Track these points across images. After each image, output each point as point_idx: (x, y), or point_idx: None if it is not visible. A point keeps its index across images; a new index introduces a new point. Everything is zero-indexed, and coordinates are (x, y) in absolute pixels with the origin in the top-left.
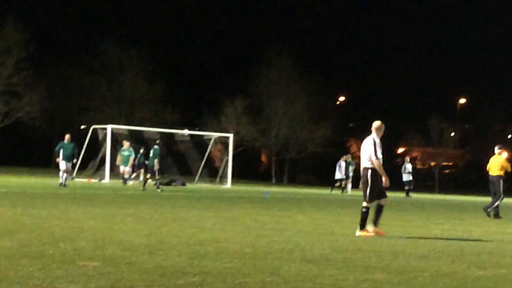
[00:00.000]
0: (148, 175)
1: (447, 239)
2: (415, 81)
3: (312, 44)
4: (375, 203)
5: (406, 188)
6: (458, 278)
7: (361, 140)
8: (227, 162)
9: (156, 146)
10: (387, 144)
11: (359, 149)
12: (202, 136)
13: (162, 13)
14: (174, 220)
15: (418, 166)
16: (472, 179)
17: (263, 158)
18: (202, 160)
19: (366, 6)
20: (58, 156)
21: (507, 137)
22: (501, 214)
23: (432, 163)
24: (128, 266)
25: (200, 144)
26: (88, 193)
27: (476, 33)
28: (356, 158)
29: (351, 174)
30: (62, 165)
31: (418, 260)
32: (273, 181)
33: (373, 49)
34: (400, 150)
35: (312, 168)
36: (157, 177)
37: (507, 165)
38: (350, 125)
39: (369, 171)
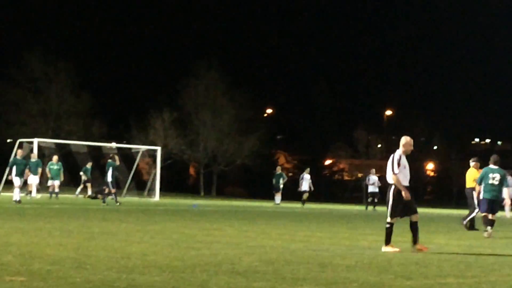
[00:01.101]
0: (107, 190)
1: (374, 250)
2: (342, 93)
3: (239, 57)
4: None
5: (370, 199)
6: None
7: (289, 152)
8: (155, 175)
9: (110, 160)
10: (314, 156)
11: (287, 161)
12: (130, 149)
13: (89, 26)
14: (102, 233)
15: (346, 178)
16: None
17: (191, 170)
18: (130, 173)
19: (291, 19)
20: (11, 173)
21: (432, 148)
22: (431, 224)
23: (360, 175)
24: (56, 280)
25: (128, 157)
26: (15, 207)
27: (401, 46)
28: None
29: (281, 186)
30: (16, 181)
31: (346, 271)
32: (202, 193)
33: (300, 61)
34: (328, 162)
35: (241, 180)
36: (113, 190)
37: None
38: (278, 137)
39: (391, 187)
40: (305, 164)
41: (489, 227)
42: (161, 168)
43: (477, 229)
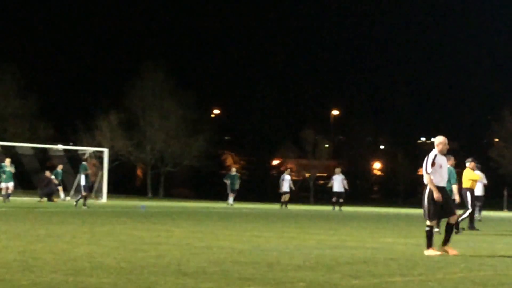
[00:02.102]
0: (85, 193)
1: (322, 249)
2: (289, 93)
3: (185, 58)
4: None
5: (335, 199)
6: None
7: (237, 152)
8: (102, 176)
9: (84, 163)
10: (261, 156)
11: (234, 161)
12: (76, 151)
13: (34, 27)
14: (48, 236)
15: (293, 178)
16: (345, 189)
17: (139, 172)
18: (76, 175)
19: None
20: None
21: (379, 147)
22: (378, 223)
23: (307, 175)
24: (2, 283)
25: (74, 159)
26: None
27: (347, 46)
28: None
29: (236, 187)
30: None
31: (294, 271)
32: (149, 195)
33: (247, 62)
34: (275, 162)
35: (188, 182)
36: (84, 194)
37: (475, 178)
38: (226, 138)
39: (426, 188)
40: (252, 164)
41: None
42: (108, 169)
43: (463, 229)
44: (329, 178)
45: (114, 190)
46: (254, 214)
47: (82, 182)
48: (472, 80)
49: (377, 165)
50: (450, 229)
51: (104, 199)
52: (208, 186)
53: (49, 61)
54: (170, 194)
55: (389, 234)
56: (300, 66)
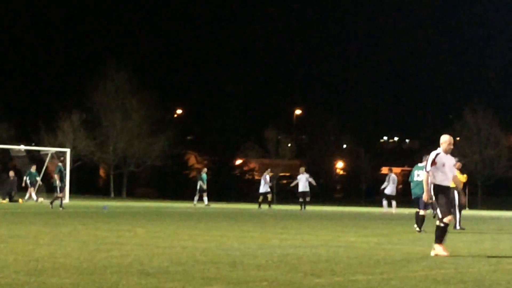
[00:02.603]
0: (61, 194)
1: (284, 248)
2: (251, 93)
3: (148, 58)
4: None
5: (301, 200)
6: (295, 287)
7: (200, 152)
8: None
9: (60, 164)
10: (224, 156)
11: (197, 161)
12: (38, 151)
13: None
14: (10, 236)
15: (256, 177)
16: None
17: (101, 172)
18: (39, 175)
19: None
20: None
21: (342, 146)
22: (341, 222)
23: (270, 174)
24: None
25: (37, 159)
26: None
27: (310, 45)
28: (195, 170)
29: (204, 187)
30: None
31: (256, 270)
32: (112, 195)
33: (209, 61)
34: (238, 161)
35: (151, 181)
36: (59, 195)
37: (461, 177)
38: (188, 137)
39: (432, 186)
40: (215, 164)
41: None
42: (71, 170)
43: (463, 228)
44: (292, 177)
45: (77, 190)
46: (217, 213)
47: (57, 183)
48: (434, 80)
49: (340, 164)
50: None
51: (66, 199)
52: (171, 186)
53: (10, 61)
54: (133, 194)
55: (351, 233)
56: (262, 66)
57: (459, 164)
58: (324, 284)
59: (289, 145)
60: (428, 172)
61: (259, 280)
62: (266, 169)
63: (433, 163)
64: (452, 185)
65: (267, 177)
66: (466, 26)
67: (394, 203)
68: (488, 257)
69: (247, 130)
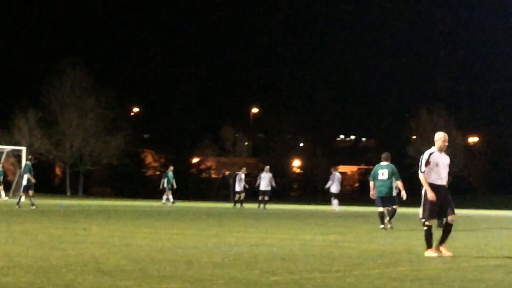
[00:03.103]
0: (31, 192)
1: (241, 246)
2: (208, 91)
3: (104, 55)
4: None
5: (261, 198)
6: (251, 285)
7: (156, 151)
8: (20, 175)
9: (28, 162)
10: (181, 154)
11: (154, 159)
12: None
13: None
14: None
15: (213, 175)
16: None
17: (57, 170)
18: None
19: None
20: None
21: (299, 145)
22: (297, 220)
23: (227, 172)
24: None
25: None
26: None
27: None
28: (152, 169)
29: (168, 185)
30: None
31: (213, 269)
32: (68, 193)
33: (166, 60)
34: (195, 160)
35: (108, 180)
36: (21, 194)
37: None
38: (145, 136)
39: (423, 187)
40: (172, 162)
41: (385, 220)
42: None
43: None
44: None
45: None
46: (174, 212)
47: (25, 182)
48: (390, 79)
49: (296, 163)
50: (448, 229)
51: (22, 198)
52: (127, 185)
53: None
54: (89, 193)
55: (308, 231)
56: (218, 64)
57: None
58: (280, 282)
59: (246, 143)
60: (423, 172)
61: (215, 278)
62: (241, 168)
63: (427, 163)
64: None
65: (242, 176)
66: (422, 25)
67: (336, 201)
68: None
69: (204, 129)
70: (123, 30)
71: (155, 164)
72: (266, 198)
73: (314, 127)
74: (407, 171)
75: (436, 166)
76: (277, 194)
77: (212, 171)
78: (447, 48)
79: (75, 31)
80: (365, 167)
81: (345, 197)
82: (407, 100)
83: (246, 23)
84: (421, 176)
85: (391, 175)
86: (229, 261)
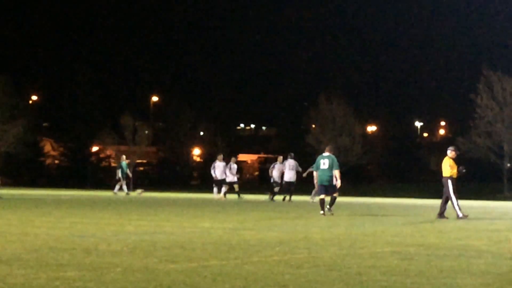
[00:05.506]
0: None
1: (140, 234)
2: (107, 79)
3: (1, 43)
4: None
5: (225, 189)
6: (150, 272)
7: (56, 139)
8: None
9: None
10: (81, 143)
11: (53, 148)
12: None
13: None
14: None
15: (113, 164)
16: (165, 175)
17: None
18: None
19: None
20: None
21: (199, 133)
22: (197, 209)
23: (127, 161)
24: None
25: None
26: None
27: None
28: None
29: (123, 175)
30: None
31: (111, 257)
32: None
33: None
34: (95, 148)
35: (5, 169)
36: None
37: (453, 166)
38: (44, 124)
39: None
40: (71, 151)
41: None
42: None
43: (446, 218)
44: (150, 164)
45: None
46: (73, 201)
47: None
48: (289, 67)
49: (196, 151)
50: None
51: None
52: (25, 173)
53: None
54: None
55: (207, 219)
56: (118, 52)
57: (453, 153)
58: (179, 269)
59: (146, 132)
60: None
61: (113, 266)
62: (232, 157)
63: None
64: (444, 174)
65: (234, 165)
66: (319, 15)
67: (223, 188)
68: (341, 241)
69: (103, 117)
70: (21, 18)
71: (54, 153)
72: (225, 188)
73: (214, 116)
74: (307, 159)
75: None
76: (177, 183)
77: (111, 160)
78: (346, 38)
79: None
80: (265, 155)
81: (245, 185)
82: (307, 89)
83: (146, 12)
84: None
85: (331, 165)
86: (128, 249)
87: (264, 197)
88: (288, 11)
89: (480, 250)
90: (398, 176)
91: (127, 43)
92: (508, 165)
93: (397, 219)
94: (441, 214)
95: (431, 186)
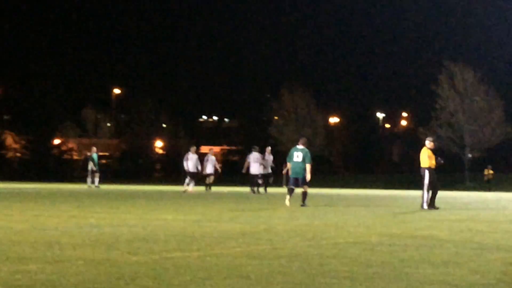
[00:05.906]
0: None
1: (102, 227)
2: (69, 71)
3: None
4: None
5: (208, 181)
6: (112, 265)
7: (17, 132)
8: None
9: None
10: (42, 136)
11: (15, 141)
12: None
13: None
14: None
15: (75, 157)
16: (128, 168)
17: None
18: None
19: None
20: None
21: (161, 125)
22: (159, 201)
23: (88, 154)
24: None
25: None
26: None
27: (131, 25)
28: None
29: (95, 168)
30: None
31: (73, 250)
32: None
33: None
34: (56, 141)
35: None
36: None
37: (431, 156)
38: (5, 117)
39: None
40: (32, 144)
41: (288, 196)
42: None
43: (437, 208)
44: (112, 157)
45: None
46: (35, 193)
47: None
48: (251, 59)
49: (159, 144)
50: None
51: None
52: None
53: None
54: None
55: (169, 211)
56: (80, 45)
57: (432, 144)
58: (141, 261)
59: (108, 124)
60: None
61: (75, 259)
62: (210, 150)
63: None
64: (422, 165)
65: (212, 157)
66: (283, 6)
67: (192, 182)
68: (303, 232)
69: (65, 110)
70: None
71: (16, 146)
72: (208, 180)
73: (176, 108)
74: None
75: None
76: (140, 175)
77: (73, 153)
78: (307, 30)
79: None
80: (228, 147)
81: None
82: (269, 80)
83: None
84: None
85: (304, 158)
86: (90, 241)
87: (228, 189)
88: (250, 3)
89: (441, 240)
90: (360, 167)
91: (88, 35)
92: (469, 155)
93: (359, 210)
94: (431, 205)
95: (393, 177)
